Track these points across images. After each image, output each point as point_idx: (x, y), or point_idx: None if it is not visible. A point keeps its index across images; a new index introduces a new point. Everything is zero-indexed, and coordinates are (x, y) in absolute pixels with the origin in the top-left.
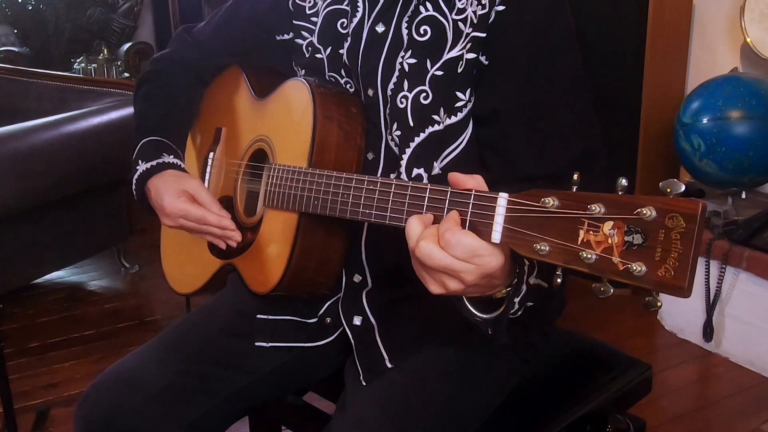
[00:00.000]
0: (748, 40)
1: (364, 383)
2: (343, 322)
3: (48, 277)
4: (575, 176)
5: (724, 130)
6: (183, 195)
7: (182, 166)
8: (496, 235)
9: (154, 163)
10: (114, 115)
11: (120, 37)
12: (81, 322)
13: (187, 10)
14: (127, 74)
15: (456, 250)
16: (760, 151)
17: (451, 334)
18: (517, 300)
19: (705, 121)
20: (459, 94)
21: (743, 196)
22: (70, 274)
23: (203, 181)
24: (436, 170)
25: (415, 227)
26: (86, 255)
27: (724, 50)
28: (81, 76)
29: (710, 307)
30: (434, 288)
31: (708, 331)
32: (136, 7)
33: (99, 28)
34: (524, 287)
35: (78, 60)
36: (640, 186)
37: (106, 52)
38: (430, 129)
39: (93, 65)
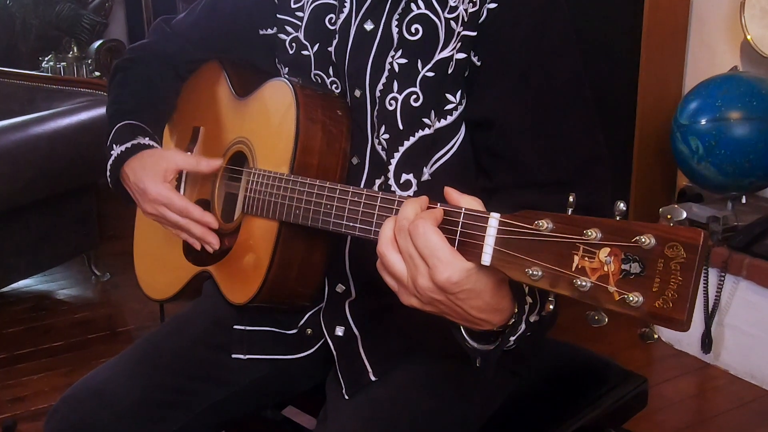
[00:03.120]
0: (749, 37)
1: (346, 397)
2: (325, 333)
3: (15, 285)
4: (571, 198)
5: (724, 131)
6: (167, 179)
7: (158, 147)
8: (486, 257)
9: (129, 145)
10: (84, 115)
11: (90, 35)
12: (50, 332)
13: (161, 6)
14: (97, 73)
15: (419, 239)
16: (761, 153)
17: (437, 346)
18: (513, 338)
19: (703, 122)
20: (449, 96)
21: (743, 200)
22: (38, 283)
23: (180, 183)
24: (425, 176)
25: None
26: (55, 262)
27: (723, 48)
28: (49, 74)
29: (709, 317)
30: (403, 295)
31: (706, 343)
32: (108, 3)
33: (68, 24)
34: (523, 326)
35: (46, 58)
36: (635, 190)
37: (75, 50)
38: (420, 133)
39: (62, 63)
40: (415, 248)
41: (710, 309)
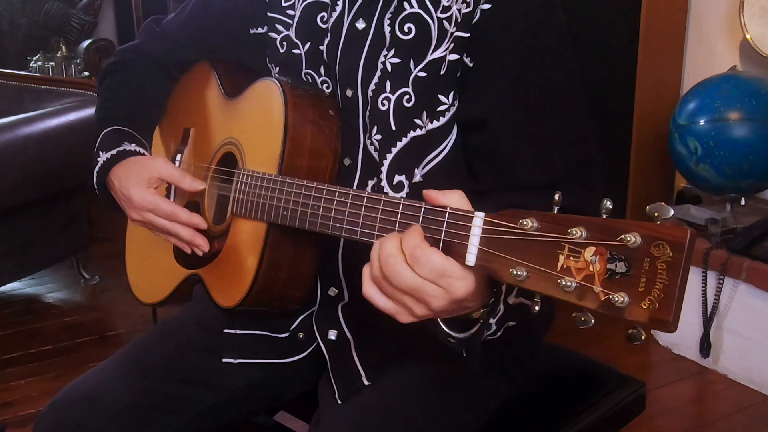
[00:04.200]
0: (748, 36)
1: (339, 401)
2: (317, 336)
3: (2, 288)
4: (557, 196)
5: (723, 132)
6: (152, 185)
7: (145, 154)
8: (471, 257)
9: (114, 152)
10: (73, 116)
11: (79, 34)
12: (38, 336)
13: (151, 4)
14: (86, 73)
15: (424, 269)
16: (761, 154)
17: (431, 350)
18: (493, 321)
19: (702, 122)
20: (441, 97)
21: (742, 202)
22: (26, 286)
23: (169, 186)
24: (417, 177)
25: (381, 247)
26: (43, 265)
27: (722, 47)
28: (38, 75)
29: (707, 321)
30: (403, 317)
31: (705, 347)
32: (97, 1)
33: (57, 24)
34: (501, 307)
35: (34, 58)
36: (632, 191)
37: (64, 50)
38: (413, 134)
39: (50, 63)
40: (424, 280)
41: (709, 312)
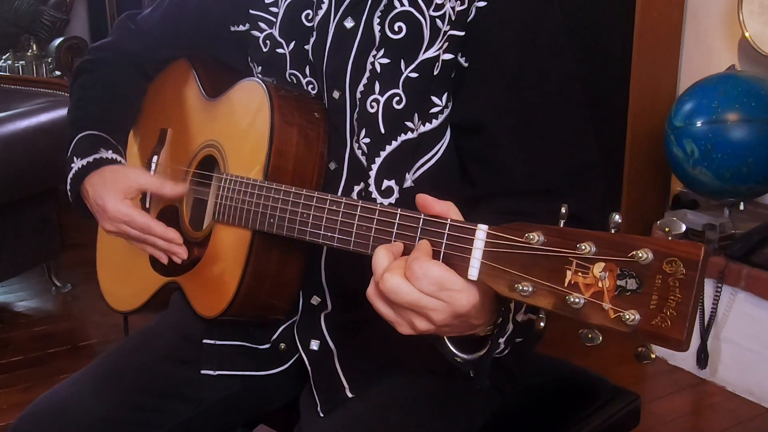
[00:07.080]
0: (747, 34)
1: (321, 414)
2: (299, 347)
3: None
4: (563, 209)
5: (720, 134)
6: (129, 196)
7: (122, 162)
8: (473, 271)
9: (90, 159)
10: (44, 117)
11: (51, 32)
12: (7, 346)
13: (125, 1)
14: (58, 72)
15: (422, 282)
16: (760, 157)
17: (418, 361)
18: (502, 340)
19: (699, 124)
20: (434, 98)
21: (741, 207)
22: None
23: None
24: (408, 182)
25: (382, 259)
26: (13, 273)
27: (720, 46)
28: (7, 74)
29: (705, 331)
30: (402, 329)
31: (702, 358)
32: None
33: (27, 21)
34: (510, 326)
35: (4, 57)
36: (627, 196)
37: (35, 48)
38: (403, 137)
39: (20, 62)
40: (422, 293)
41: (706, 322)
